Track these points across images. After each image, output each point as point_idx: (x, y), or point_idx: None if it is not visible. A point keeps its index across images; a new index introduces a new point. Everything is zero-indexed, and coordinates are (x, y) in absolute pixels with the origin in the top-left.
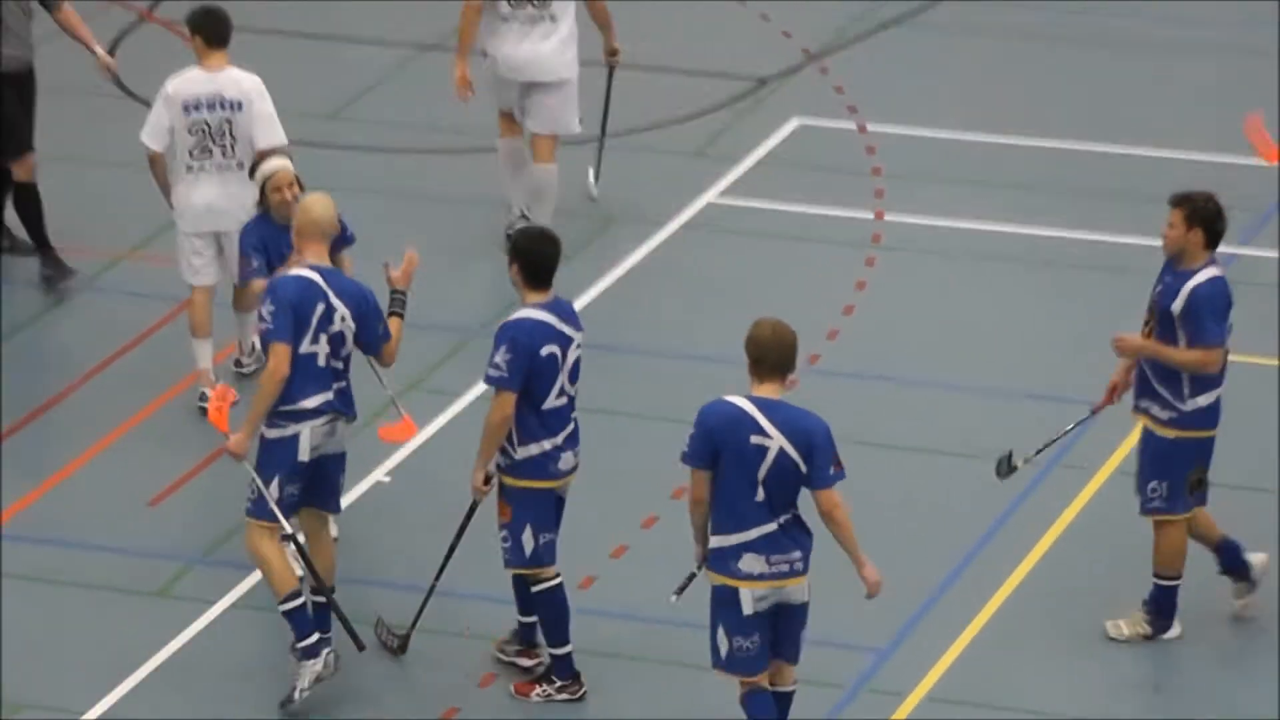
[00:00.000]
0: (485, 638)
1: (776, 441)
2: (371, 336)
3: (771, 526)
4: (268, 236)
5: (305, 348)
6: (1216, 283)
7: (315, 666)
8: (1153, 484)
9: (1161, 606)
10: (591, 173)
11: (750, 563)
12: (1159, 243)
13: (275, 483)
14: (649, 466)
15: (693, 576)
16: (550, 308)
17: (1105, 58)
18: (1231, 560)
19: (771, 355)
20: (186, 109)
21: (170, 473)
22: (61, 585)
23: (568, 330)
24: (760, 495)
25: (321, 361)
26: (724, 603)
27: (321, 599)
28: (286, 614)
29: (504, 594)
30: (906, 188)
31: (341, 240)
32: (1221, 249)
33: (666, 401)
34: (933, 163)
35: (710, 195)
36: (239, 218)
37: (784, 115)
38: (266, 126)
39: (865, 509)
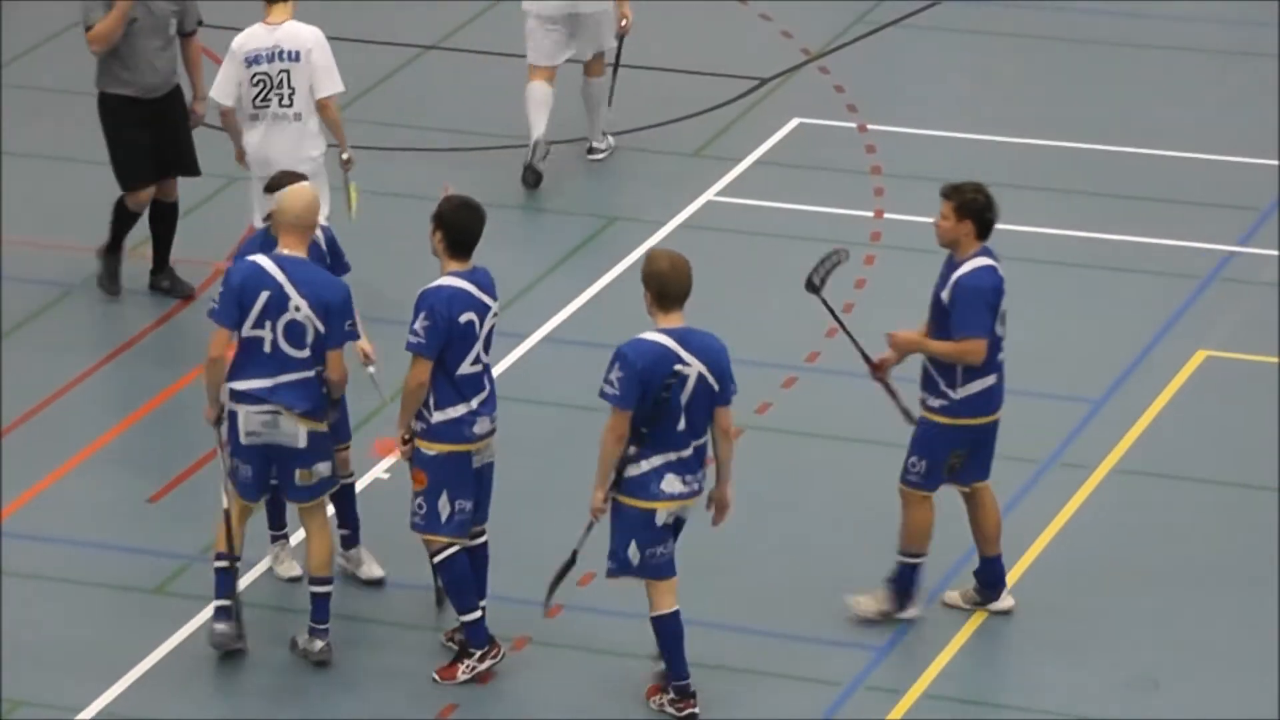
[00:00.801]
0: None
1: (695, 368)
2: (333, 335)
3: (687, 451)
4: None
5: (249, 331)
6: (983, 273)
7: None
8: (913, 459)
9: (903, 584)
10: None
11: (671, 483)
12: (1160, 241)
13: (227, 453)
14: None
15: (569, 566)
16: (469, 276)
17: (1104, 57)
18: (992, 576)
19: (674, 286)
20: (248, 62)
21: (169, 470)
22: (60, 583)
23: (486, 299)
24: (682, 423)
25: (267, 348)
26: (637, 522)
27: (323, 590)
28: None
29: (508, 592)
30: (906, 187)
31: (339, 267)
32: (1220, 247)
33: None
34: (932, 162)
35: (710, 194)
36: (303, 167)
37: (784, 114)
38: (324, 77)
39: (863, 507)
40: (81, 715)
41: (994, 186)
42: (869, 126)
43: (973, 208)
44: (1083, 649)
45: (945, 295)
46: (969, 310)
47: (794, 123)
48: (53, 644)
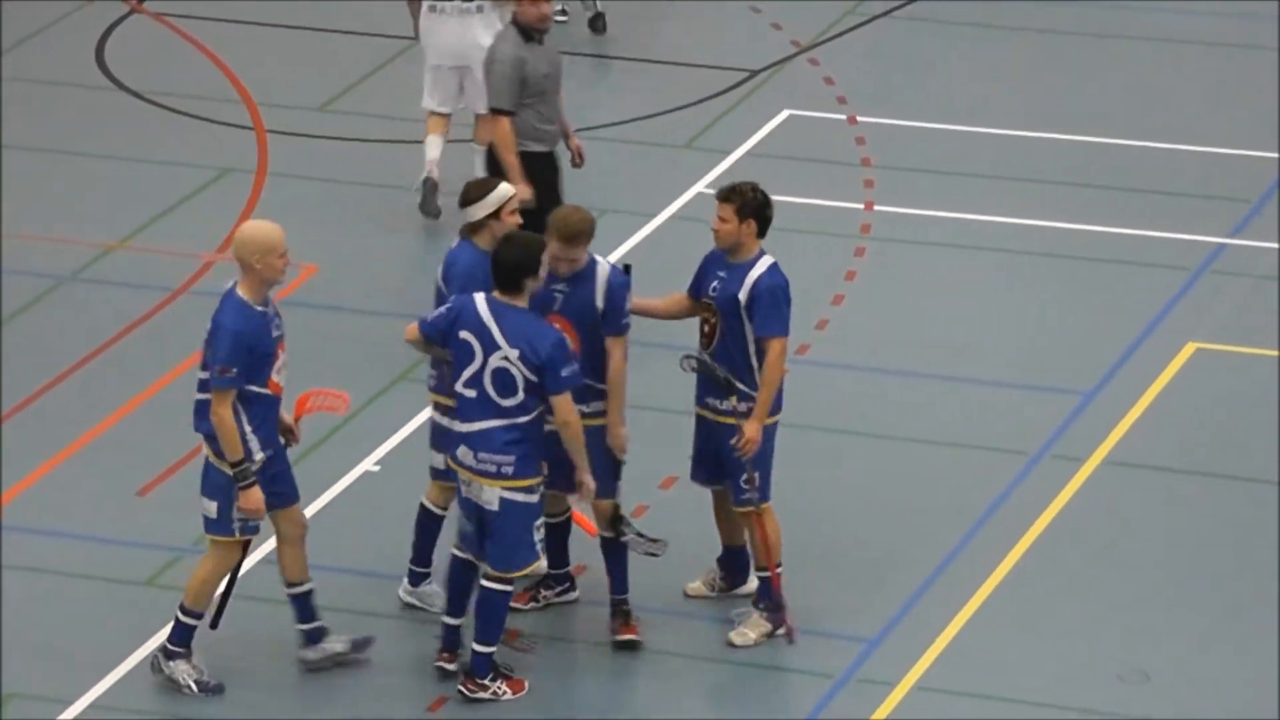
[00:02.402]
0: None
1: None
2: (206, 363)
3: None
4: (477, 266)
5: None
6: (776, 271)
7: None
8: (745, 476)
9: (775, 598)
10: None
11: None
12: (1151, 233)
13: None
14: (639, 457)
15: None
16: (498, 306)
17: (1097, 49)
18: (738, 564)
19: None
20: None
21: (160, 462)
22: (51, 574)
23: (497, 336)
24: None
25: None
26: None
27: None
28: None
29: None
30: (896, 178)
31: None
32: (1211, 239)
33: (656, 391)
34: (922, 154)
35: (701, 185)
36: (476, 56)
37: (774, 106)
38: None
39: (855, 499)
40: (73, 708)
41: (984, 178)
42: (859, 118)
43: (753, 206)
44: (1074, 641)
45: (744, 296)
46: (773, 311)
47: (784, 115)
48: (44, 637)
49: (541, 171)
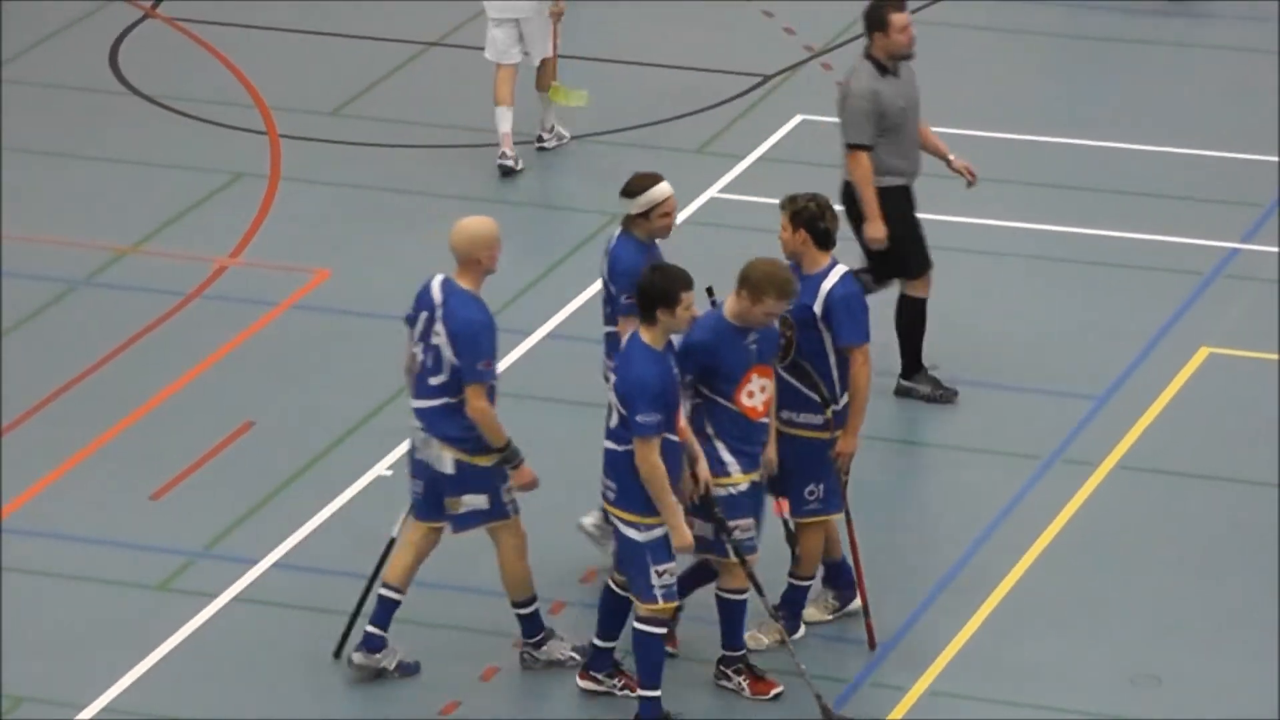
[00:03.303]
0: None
1: None
2: (463, 369)
3: None
4: (640, 258)
5: (413, 346)
6: (849, 280)
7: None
8: (810, 486)
9: (796, 609)
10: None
11: None
12: (1164, 238)
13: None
14: None
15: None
16: (634, 334)
17: (1107, 54)
18: (843, 578)
19: None
20: None
21: (173, 466)
22: (63, 579)
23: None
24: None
25: (417, 367)
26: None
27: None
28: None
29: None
30: None
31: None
32: (1224, 244)
33: None
34: (934, 159)
35: (714, 190)
36: (525, 8)
37: (787, 111)
38: None
39: (867, 502)
40: (85, 711)
41: (998, 183)
42: None
43: (804, 217)
44: (1086, 645)
45: (819, 307)
46: (851, 319)
47: (797, 119)
48: (55, 641)
49: (896, 205)
